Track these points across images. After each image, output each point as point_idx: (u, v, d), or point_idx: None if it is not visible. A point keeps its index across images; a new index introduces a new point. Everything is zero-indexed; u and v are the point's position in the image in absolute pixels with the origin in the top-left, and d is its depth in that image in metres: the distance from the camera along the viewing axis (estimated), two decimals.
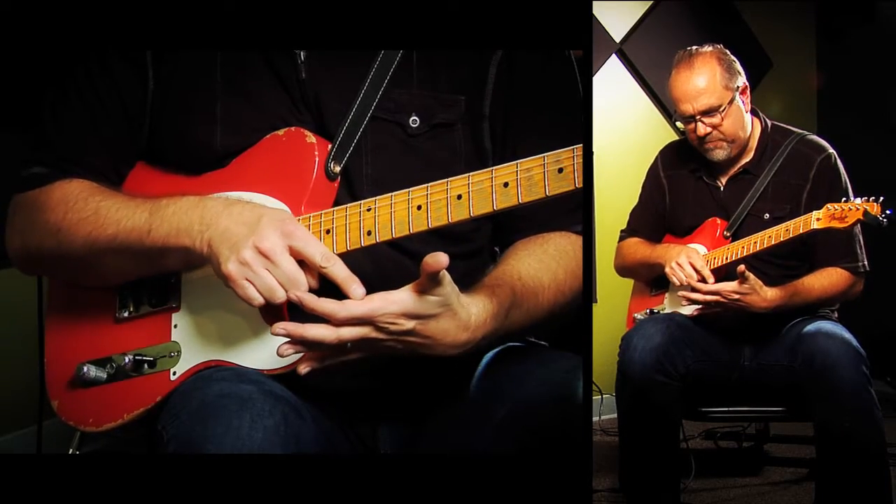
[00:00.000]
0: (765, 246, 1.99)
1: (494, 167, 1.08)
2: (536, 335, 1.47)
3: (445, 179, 1.11)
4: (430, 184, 1.12)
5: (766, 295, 2.00)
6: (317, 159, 1.23)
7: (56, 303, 1.38)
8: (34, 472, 1.17)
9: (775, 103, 3.66)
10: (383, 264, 1.25)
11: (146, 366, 1.25)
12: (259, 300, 1.12)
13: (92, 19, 1.28)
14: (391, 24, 1.25)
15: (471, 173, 1.10)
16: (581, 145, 1.05)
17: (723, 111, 2.08)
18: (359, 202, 1.16)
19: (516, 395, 1.22)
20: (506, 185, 1.07)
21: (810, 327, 2.00)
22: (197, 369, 1.22)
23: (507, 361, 1.31)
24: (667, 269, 2.13)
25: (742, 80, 2.12)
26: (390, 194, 1.14)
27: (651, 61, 3.54)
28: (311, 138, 1.24)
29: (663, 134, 3.45)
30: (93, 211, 1.24)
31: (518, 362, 1.30)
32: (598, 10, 3.38)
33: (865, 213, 1.82)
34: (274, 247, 1.12)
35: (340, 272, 1.12)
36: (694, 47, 2.14)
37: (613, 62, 3.51)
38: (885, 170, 3.19)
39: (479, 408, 1.25)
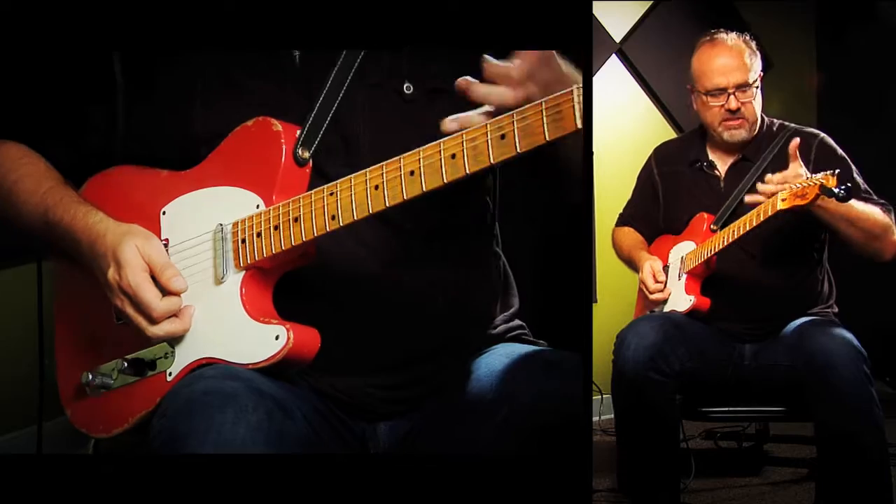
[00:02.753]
0: (743, 232, 2.02)
1: (442, 140, 1.08)
2: (536, 335, 1.47)
3: (399, 156, 1.11)
4: (385, 162, 1.12)
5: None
6: (283, 147, 1.22)
7: (63, 313, 1.39)
8: (34, 472, 1.17)
9: (775, 103, 3.65)
10: (375, 245, 1.26)
11: (147, 369, 1.25)
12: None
13: (88, 19, 1.28)
14: (390, 23, 1.25)
15: (421, 148, 1.10)
16: (520, 109, 1.04)
17: (754, 88, 2.15)
18: (322, 187, 1.17)
19: (517, 395, 1.22)
20: (453, 156, 1.07)
21: (811, 327, 2.00)
22: (190, 368, 1.22)
23: (508, 361, 1.31)
24: (640, 276, 2.27)
25: (760, 70, 2.19)
26: (350, 176, 1.14)
27: (651, 61, 3.54)
28: (277, 126, 1.23)
29: (663, 134, 3.45)
30: (5, 193, 1.33)
31: (518, 362, 1.30)
32: (598, 10, 3.38)
33: (822, 186, 1.84)
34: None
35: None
36: (721, 32, 2.21)
37: (613, 62, 3.51)
38: (885, 169, 3.19)
39: (479, 407, 1.25)
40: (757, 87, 2.17)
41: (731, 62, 2.15)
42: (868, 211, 2.02)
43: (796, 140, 1.99)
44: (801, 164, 1.97)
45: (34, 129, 1.36)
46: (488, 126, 1.05)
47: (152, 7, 1.26)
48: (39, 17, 1.29)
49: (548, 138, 1.02)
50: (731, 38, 2.19)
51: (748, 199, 2.06)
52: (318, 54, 1.27)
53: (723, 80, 2.15)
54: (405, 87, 1.28)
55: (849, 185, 1.86)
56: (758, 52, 2.20)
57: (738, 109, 2.15)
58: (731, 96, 2.15)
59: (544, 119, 1.02)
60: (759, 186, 2.00)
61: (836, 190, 1.83)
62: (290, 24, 1.26)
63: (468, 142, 1.06)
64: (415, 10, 1.25)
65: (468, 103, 1.27)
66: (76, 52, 1.33)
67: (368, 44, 1.26)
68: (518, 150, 1.03)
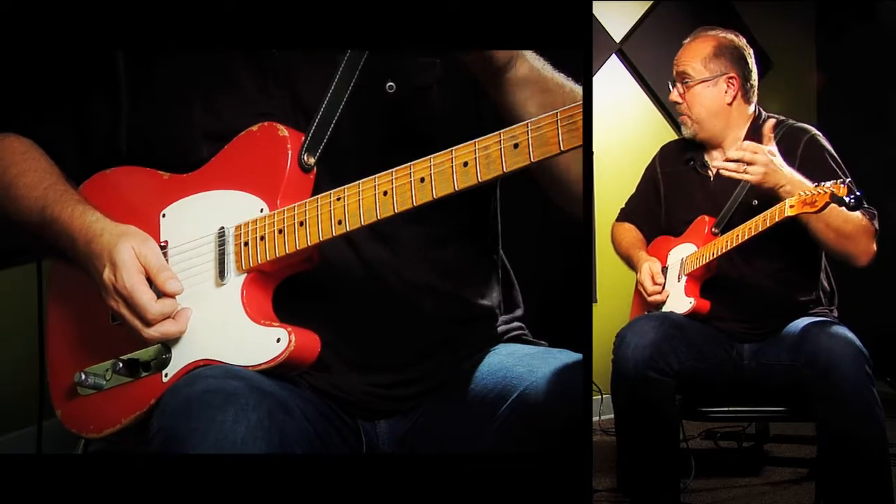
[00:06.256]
0: (747, 237, 2.01)
1: (454, 147, 1.08)
2: (536, 335, 1.47)
3: (409, 163, 1.11)
4: (394, 168, 1.12)
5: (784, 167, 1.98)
6: (289, 152, 1.22)
7: (56, 313, 1.38)
8: (34, 472, 1.17)
9: (775, 103, 3.64)
10: (374, 244, 1.27)
11: (141, 370, 1.25)
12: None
13: (85, 20, 1.28)
14: (388, 23, 1.25)
15: (432, 155, 1.10)
16: (534, 119, 1.04)
17: (689, 83, 2.16)
18: (329, 192, 1.17)
19: (517, 394, 1.22)
20: (465, 164, 1.07)
21: (813, 327, 2.00)
22: (188, 369, 1.22)
23: (509, 360, 1.31)
24: (638, 277, 2.27)
25: (729, 69, 2.16)
26: (358, 182, 1.14)
27: (651, 61, 3.54)
28: (284, 132, 1.23)
29: (663, 134, 3.45)
30: (5, 186, 1.31)
31: (519, 361, 1.30)
32: (598, 10, 3.38)
33: (832, 195, 1.84)
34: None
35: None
36: (711, 29, 2.24)
37: (613, 62, 3.51)
38: (885, 170, 3.19)
39: (480, 406, 1.25)
40: (705, 85, 2.15)
41: (683, 54, 2.20)
42: (847, 214, 1.98)
43: (771, 121, 2.04)
44: (774, 146, 1.99)
45: (38, 124, 1.36)
46: (501, 135, 1.05)
47: (153, 6, 1.26)
48: (41, 14, 1.29)
49: (562, 148, 1.02)
50: (708, 33, 2.21)
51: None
52: (315, 55, 1.27)
53: (673, 70, 2.20)
54: (388, 85, 1.28)
55: (859, 193, 1.84)
56: (732, 52, 2.17)
57: (677, 103, 2.19)
58: (674, 88, 2.19)
59: (559, 129, 1.02)
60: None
61: (847, 199, 1.83)
62: (287, 25, 1.26)
63: (481, 150, 1.06)
64: (414, 10, 1.25)
65: (455, 99, 1.28)
66: (78, 49, 1.33)
67: (367, 44, 1.26)
68: (532, 159, 1.03)
